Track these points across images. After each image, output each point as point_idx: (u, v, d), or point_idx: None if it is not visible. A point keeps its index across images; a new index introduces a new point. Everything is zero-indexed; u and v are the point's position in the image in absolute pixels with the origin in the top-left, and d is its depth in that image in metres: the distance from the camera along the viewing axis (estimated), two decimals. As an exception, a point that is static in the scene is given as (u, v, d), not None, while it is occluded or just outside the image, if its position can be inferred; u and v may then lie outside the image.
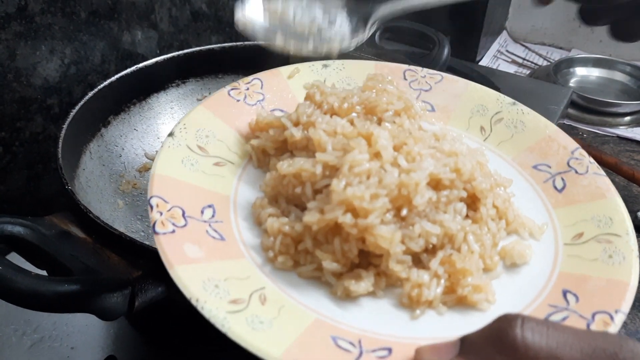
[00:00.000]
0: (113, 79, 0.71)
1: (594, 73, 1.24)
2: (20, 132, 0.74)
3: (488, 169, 0.49)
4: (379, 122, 0.51)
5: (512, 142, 0.56)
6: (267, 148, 0.50)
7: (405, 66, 0.62)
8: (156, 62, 0.76)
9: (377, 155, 0.45)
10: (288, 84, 0.58)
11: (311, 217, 0.42)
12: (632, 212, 0.92)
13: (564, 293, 0.43)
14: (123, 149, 0.74)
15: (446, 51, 0.98)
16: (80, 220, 0.53)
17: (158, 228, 0.42)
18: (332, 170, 0.45)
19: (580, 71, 1.25)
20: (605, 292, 0.42)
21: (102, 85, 0.70)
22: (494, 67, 1.25)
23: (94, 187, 0.68)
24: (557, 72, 1.19)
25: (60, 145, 0.59)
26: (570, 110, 1.10)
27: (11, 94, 0.71)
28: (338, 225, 0.42)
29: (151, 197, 0.44)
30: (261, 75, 0.58)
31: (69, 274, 0.48)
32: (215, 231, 0.44)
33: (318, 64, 0.60)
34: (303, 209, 0.45)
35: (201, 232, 0.44)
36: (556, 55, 1.32)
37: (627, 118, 1.10)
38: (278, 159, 0.50)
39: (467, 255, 0.43)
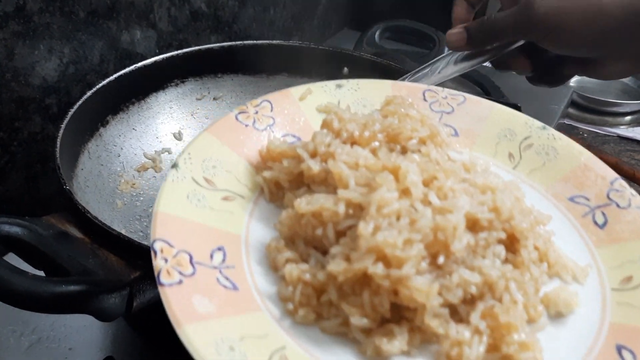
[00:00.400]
0: (111, 78, 0.70)
1: None
2: (18, 132, 0.72)
3: (525, 205, 0.45)
4: (403, 151, 0.47)
5: (544, 171, 0.52)
6: (280, 181, 0.45)
7: (425, 86, 0.57)
8: (155, 62, 0.75)
9: (405, 192, 0.41)
10: (300, 106, 0.53)
11: (337, 266, 0.37)
12: None
13: (619, 349, 0.38)
14: (122, 148, 0.73)
15: (446, 50, 0.97)
16: (78, 220, 0.52)
17: (163, 279, 0.37)
18: (357, 209, 0.40)
19: None
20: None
21: (100, 85, 0.68)
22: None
23: (92, 187, 0.67)
24: None
25: (58, 145, 0.58)
26: (571, 110, 1.10)
27: (9, 94, 0.69)
28: (367, 276, 0.37)
29: (155, 241, 0.39)
30: (270, 96, 0.53)
31: (66, 274, 0.48)
32: (227, 279, 0.39)
33: (331, 84, 0.55)
34: (324, 252, 0.40)
35: (211, 281, 0.39)
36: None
37: (628, 118, 1.10)
38: (293, 193, 0.45)
39: (510, 307, 0.39)
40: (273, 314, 0.39)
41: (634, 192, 0.49)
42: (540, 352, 0.38)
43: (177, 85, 0.79)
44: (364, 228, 0.37)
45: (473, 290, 0.39)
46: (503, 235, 0.41)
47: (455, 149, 0.50)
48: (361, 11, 1.32)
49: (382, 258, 0.37)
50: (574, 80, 1.21)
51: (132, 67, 0.72)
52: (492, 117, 0.55)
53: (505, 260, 0.42)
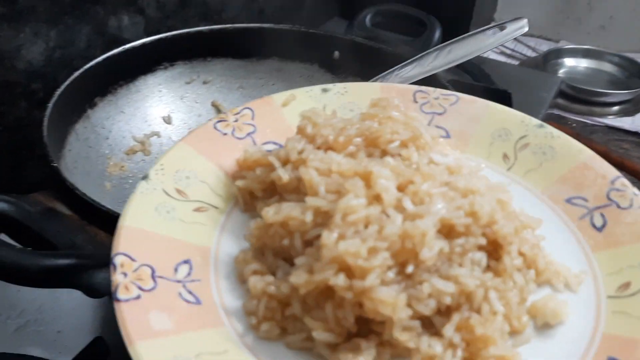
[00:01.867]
0: (99, 59, 0.70)
1: (582, 64, 1.24)
2: (3, 116, 0.71)
3: (511, 208, 0.42)
4: (383, 155, 0.44)
5: (541, 172, 0.49)
6: (254, 190, 0.44)
7: (416, 87, 0.55)
8: (143, 44, 0.74)
9: (377, 198, 0.38)
10: (282, 112, 0.52)
11: (298, 278, 0.35)
12: None
13: (610, 363, 0.35)
14: (110, 131, 0.73)
15: (437, 34, 0.96)
16: (66, 197, 0.52)
17: (120, 294, 0.36)
18: (326, 218, 0.38)
19: (569, 62, 1.24)
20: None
21: (88, 66, 0.68)
22: (484, 56, 1.23)
23: (80, 169, 0.66)
24: (546, 62, 1.19)
25: (46, 123, 0.58)
26: (560, 100, 1.10)
27: (-6, 77, 0.69)
28: (330, 288, 0.35)
29: (115, 255, 0.38)
30: (252, 104, 0.51)
31: (54, 249, 0.47)
32: (190, 293, 0.38)
33: (316, 89, 0.54)
34: (293, 264, 0.39)
35: (173, 296, 0.37)
36: (544, 46, 1.29)
37: (616, 108, 1.11)
38: (266, 202, 0.43)
39: (489, 318, 0.36)
40: (237, 329, 0.37)
41: (637, 191, 0.45)
42: (520, 366, 0.35)
43: (166, 68, 0.79)
44: (327, 237, 0.35)
45: (447, 300, 0.36)
46: (483, 242, 0.39)
47: (441, 151, 0.47)
48: (352, -1, 1.30)
49: (345, 269, 0.35)
50: (563, 71, 1.22)
51: (120, 49, 0.72)
52: (487, 116, 0.53)
53: (487, 268, 0.39)
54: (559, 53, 1.24)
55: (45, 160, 0.55)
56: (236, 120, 0.50)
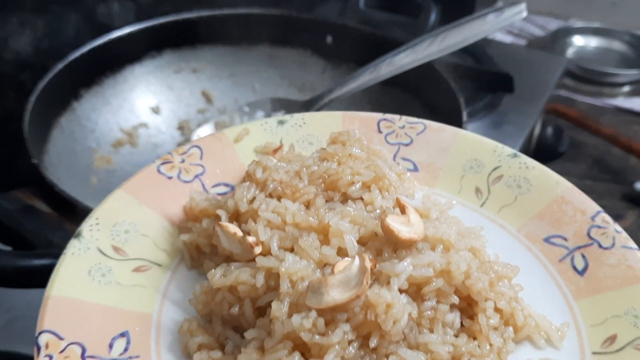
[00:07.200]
0: (84, 50, 0.68)
1: (592, 43, 1.22)
2: None
3: (485, 257, 0.38)
4: (344, 199, 0.40)
5: (516, 207, 0.45)
6: (200, 245, 0.39)
7: (380, 115, 0.50)
8: (130, 33, 0.72)
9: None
10: (235, 149, 0.47)
11: (247, 359, 0.31)
12: (629, 184, 0.86)
13: None
14: (96, 123, 0.72)
15: (433, 17, 0.93)
16: (45, 194, 0.52)
17: (44, 382, 0.31)
18: (279, 281, 0.34)
19: (578, 41, 1.22)
20: None
21: (72, 57, 0.67)
22: (490, 38, 1.20)
23: (65, 163, 0.65)
24: (554, 42, 1.17)
25: (27, 118, 0.57)
26: (568, 81, 1.09)
27: (-19, 69, 0.66)
28: (284, 369, 0.31)
29: (40, 333, 0.33)
30: (200, 142, 0.47)
31: (32, 248, 0.47)
32: (127, 374, 0.33)
33: (272, 121, 0.49)
34: (243, 335, 0.34)
35: (106, 380, 0.33)
36: (553, 24, 1.26)
37: (626, 88, 1.09)
38: (214, 260, 0.38)
39: (464, 391, 0.32)
40: (180, 415, 0.32)
41: (618, 227, 0.42)
42: None
43: (153, 57, 0.77)
44: (278, 309, 0.31)
45: (417, 374, 0.32)
46: (456, 301, 0.35)
47: (408, 191, 0.43)
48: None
49: (301, 346, 0.31)
50: (572, 51, 1.19)
51: (105, 39, 0.70)
52: (457, 146, 0.49)
53: (461, 328, 0.35)
54: (568, 32, 1.21)
55: (26, 155, 0.54)
56: (183, 161, 0.45)
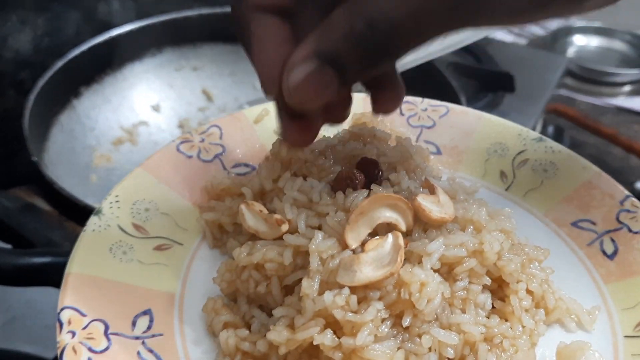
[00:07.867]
0: (84, 48, 0.68)
1: (593, 42, 1.22)
2: None
3: (516, 239, 0.37)
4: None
5: (543, 192, 0.44)
6: (223, 224, 0.39)
7: (402, 98, 0.50)
8: (130, 31, 0.72)
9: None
10: (255, 130, 0.46)
11: (277, 336, 0.30)
12: (629, 184, 0.85)
13: (636, 421, 0.31)
14: (96, 121, 0.72)
15: None
16: (45, 192, 0.52)
17: (67, 358, 0.30)
18: (307, 259, 0.33)
19: (579, 40, 1.22)
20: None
21: (72, 55, 0.67)
22: (491, 37, 1.20)
23: (65, 162, 0.65)
24: (555, 41, 1.17)
25: (27, 116, 0.57)
26: (568, 81, 1.09)
27: (-19, 68, 0.66)
28: (315, 346, 0.30)
29: (62, 310, 0.32)
30: (220, 121, 0.46)
31: (32, 247, 0.47)
32: (151, 351, 0.33)
33: (292, 102, 0.48)
34: (270, 312, 0.33)
35: (130, 357, 0.32)
36: (554, 24, 1.26)
37: (626, 87, 1.09)
38: (237, 239, 0.38)
39: (498, 372, 0.31)
40: (206, 394, 0.32)
41: (649, 212, 0.41)
42: None
43: (153, 55, 0.77)
44: (308, 286, 0.30)
45: (450, 354, 0.31)
46: (488, 281, 0.34)
47: (434, 172, 0.42)
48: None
49: (332, 324, 0.30)
50: (572, 50, 1.19)
51: (105, 37, 0.70)
52: (481, 129, 0.48)
53: (493, 310, 0.34)
54: (569, 31, 1.20)
55: (26, 153, 0.54)
56: (202, 141, 0.44)
